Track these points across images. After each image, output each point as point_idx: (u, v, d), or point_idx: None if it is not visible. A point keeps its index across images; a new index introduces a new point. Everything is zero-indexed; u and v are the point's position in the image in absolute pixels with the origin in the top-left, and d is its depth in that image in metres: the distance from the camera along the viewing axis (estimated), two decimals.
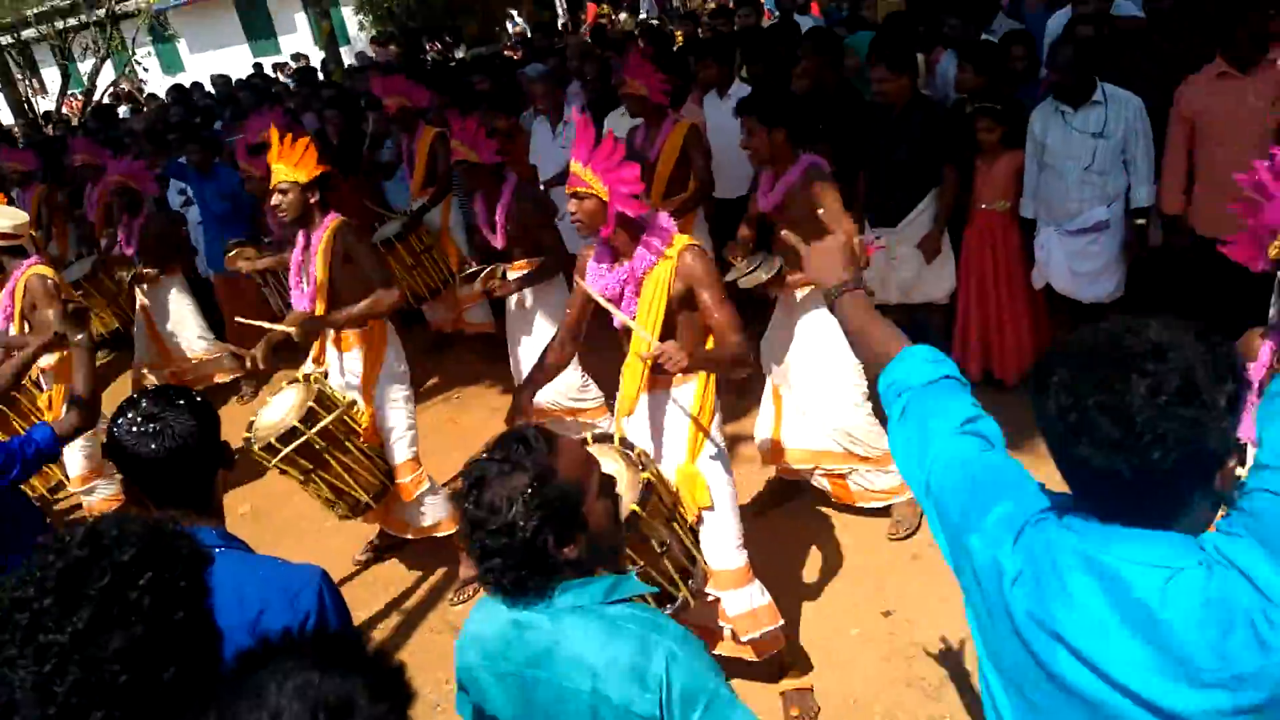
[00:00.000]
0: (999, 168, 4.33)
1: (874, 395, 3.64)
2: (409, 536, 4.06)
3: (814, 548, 3.82)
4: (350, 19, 21.24)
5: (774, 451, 3.91)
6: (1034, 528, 1.31)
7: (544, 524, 1.52)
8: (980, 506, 1.37)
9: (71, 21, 16.66)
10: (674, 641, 1.52)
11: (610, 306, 2.87)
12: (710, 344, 2.88)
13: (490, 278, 4.28)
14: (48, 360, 4.40)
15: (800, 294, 3.67)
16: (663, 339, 2.76)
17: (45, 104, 17.23)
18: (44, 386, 4.61)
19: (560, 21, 17.34)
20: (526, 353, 4.43)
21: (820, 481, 3.91)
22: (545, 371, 3.11)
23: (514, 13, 19.27)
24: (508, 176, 4.36)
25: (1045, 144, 4.12)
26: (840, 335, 3.56)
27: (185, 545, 1.22)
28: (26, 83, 17.43)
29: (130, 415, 1.85)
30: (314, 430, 3.37)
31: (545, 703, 1.57)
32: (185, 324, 6.01)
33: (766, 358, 3.92)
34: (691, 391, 2.94)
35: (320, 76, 10.41)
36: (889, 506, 3.81)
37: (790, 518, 4.05)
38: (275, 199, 3.65)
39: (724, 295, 2.83)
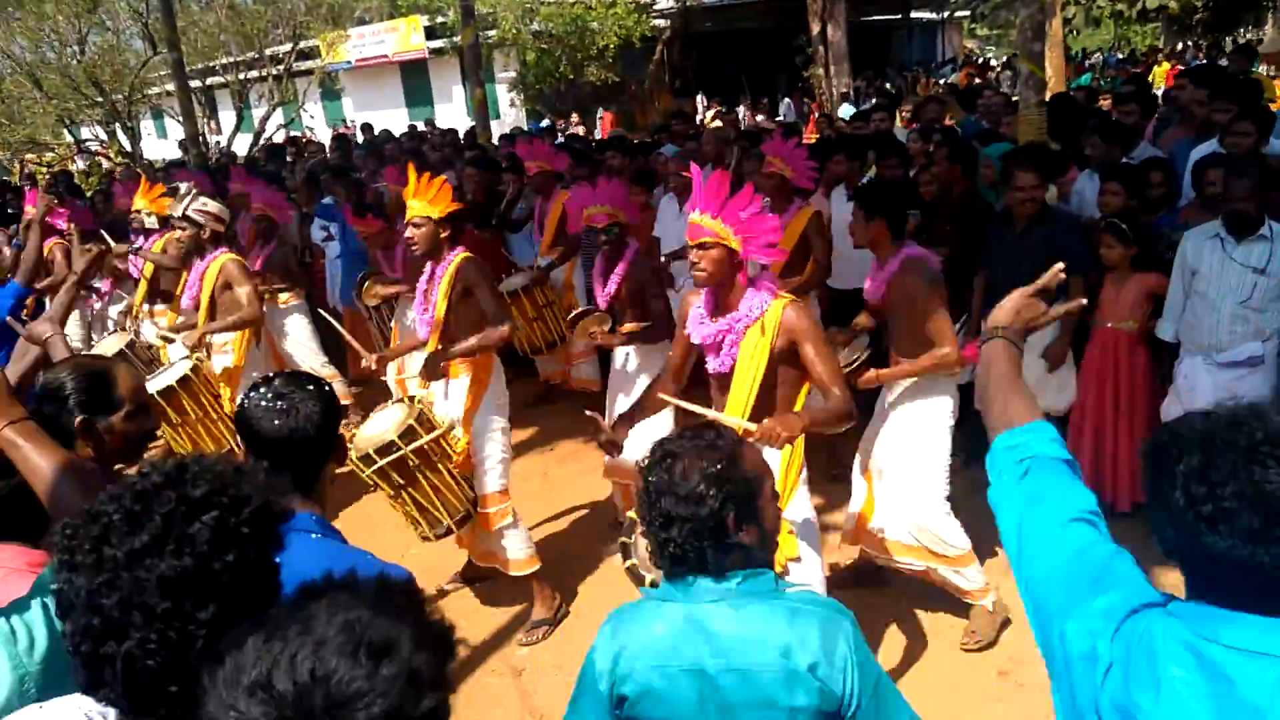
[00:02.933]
0: (1129, 288, 4.23)
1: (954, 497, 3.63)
2: (496, 567, 4.09)
3: (887, 649, 3.67)
4: (503, 96, 22.53)
5: (856, 531, 3.85)
6: (1137, 616, 1.26)
7: (728, 500, 1.66)
8: (1086, 594, 1.32)
9: (253, 74, 18.20)
10: (851, 626, 1.69)
11: (694, 407, 2.91)
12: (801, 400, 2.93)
13: (595, 322, 4.37)
14: (225, 338, 4.83)
15: (899, 386, 3.66)
16: (762, 394, 2.84)
17: (216, 140, 18.75)
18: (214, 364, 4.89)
19: (699, 115, 17.94)
20: (622, 406, 4.51)
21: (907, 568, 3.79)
22: (644, 409, 3.20)
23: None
24: (630, 243, 4.55)
25: (1197, 271, 3.98)
26: (933, 432, 3.57)
27: (260, 494, 1.23)
28: (205, 121, 19.05)
29: (262, 390, 1.94)
30: (410, 447, 3.47)
31: (729, 689, 1.66)
32: (303, 345, 6.30)
33: (864, 445, 3.89)
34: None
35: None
36: (968, 607, 3.68)
37: (868, 612, 3.91)
38: (409, 232, 3.87)
39: (827, 349, 2.88)
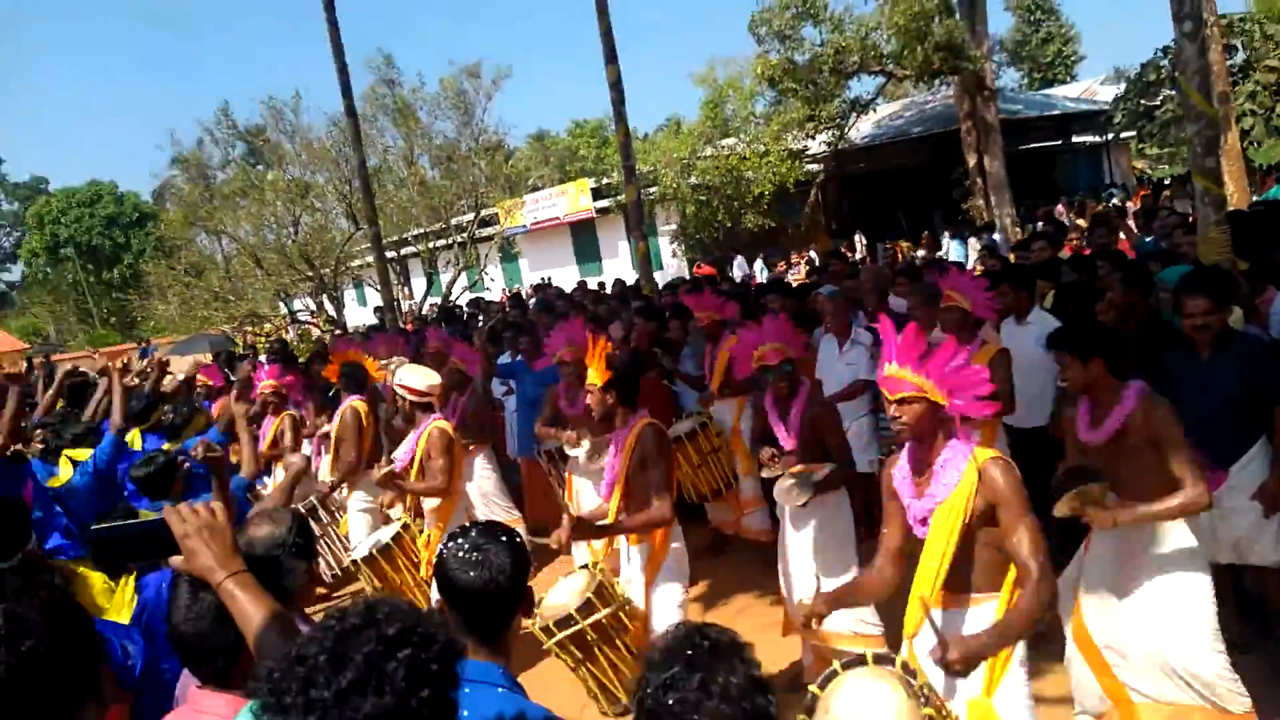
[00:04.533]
0: None
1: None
2: None
3: None
4: (665, 247, 23.57)
5: (1122, 712, 3.44)
6: None
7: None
8: None
9: (440, 242, 19.97)
10: None
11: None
12: (1011, 575, 2.71)
13: (786, 467, 4.22)
14: (431, 504, 5.03)
15: (1135, 538, 3.40)
16: (956, 559, 2.69)
17: (408, 304, 20.51)
18: (425, 527, 5.11)
19: (859, 255, 18.08)
20: (797, 559, 4.39)
21: None
22: (859, 592, 3.07)
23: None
24: (804, 381, 4.51)
25: None
26: (1190, 563, 3.34)
27: (443, 633, 1.33)
28: (400, 287, 20.94)
29: (460, 541, 2.04)
30: (587, 622, 3.46)
31: None
32: (490, 493, 6.63)
33: (1074, 590, 3.59)
34: (992, 612, 2.72)
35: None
36: None
37: None
38: (589, 398, 4.04)
39: (1027, 514, 2.64)
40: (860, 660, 2.33)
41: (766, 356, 4.39)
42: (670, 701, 1.49)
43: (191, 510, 1.82)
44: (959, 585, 2.73)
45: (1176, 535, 3.36)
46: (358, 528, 5.98)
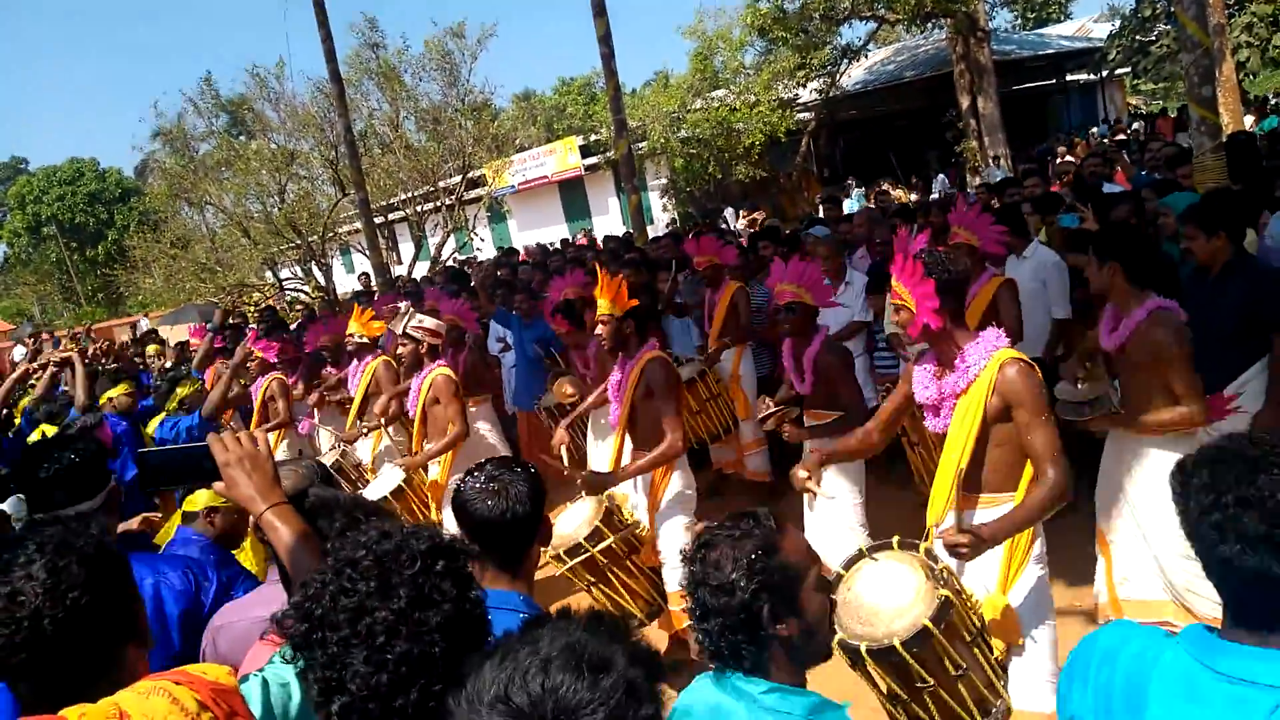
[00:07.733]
0: None
1: None
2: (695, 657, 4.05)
3: None
4: (655, 201, 23.36)
5: (1111, 605, 3.62)
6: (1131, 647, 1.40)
7: (762, 591, 1.61)
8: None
9: (428, 205, 19.78)
10: None
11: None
12: (1027, 472, 2.75)
13: (784, 418, 4.28)
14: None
15: (1139, 445, 3.47)
16: (975, 455, 2.73)
17: (398, 270, 20.35)
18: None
19: (847, 202, 17.91)
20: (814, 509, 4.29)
21: None
22: (849, 448, 3.18)
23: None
24: (821, 328, 4.42)
25: None
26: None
27: (457, 541, 1.40)
28: (388, 252, 20.75)
29: (476, 474, 2.10)
30: (598, 548, 3.54)
31: None
32: (494, 446, 6.54)
33: (1102, 503, 3.68)
34: (1003, 513, 2.74)
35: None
36: None
37: None
38: (599, 329, 4.05)
39: (1044, 416, 2.67)
40: (886, 545, 2.48)
41: (782, 294, 4.35)
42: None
43: (235, 439, 1.82)
44: (971, 485, 2.76)
45: (1178, 450, 3.34)
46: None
